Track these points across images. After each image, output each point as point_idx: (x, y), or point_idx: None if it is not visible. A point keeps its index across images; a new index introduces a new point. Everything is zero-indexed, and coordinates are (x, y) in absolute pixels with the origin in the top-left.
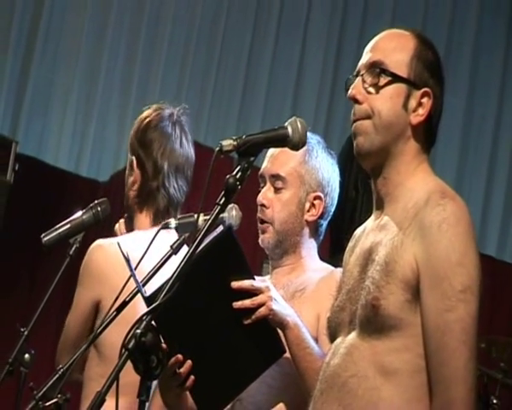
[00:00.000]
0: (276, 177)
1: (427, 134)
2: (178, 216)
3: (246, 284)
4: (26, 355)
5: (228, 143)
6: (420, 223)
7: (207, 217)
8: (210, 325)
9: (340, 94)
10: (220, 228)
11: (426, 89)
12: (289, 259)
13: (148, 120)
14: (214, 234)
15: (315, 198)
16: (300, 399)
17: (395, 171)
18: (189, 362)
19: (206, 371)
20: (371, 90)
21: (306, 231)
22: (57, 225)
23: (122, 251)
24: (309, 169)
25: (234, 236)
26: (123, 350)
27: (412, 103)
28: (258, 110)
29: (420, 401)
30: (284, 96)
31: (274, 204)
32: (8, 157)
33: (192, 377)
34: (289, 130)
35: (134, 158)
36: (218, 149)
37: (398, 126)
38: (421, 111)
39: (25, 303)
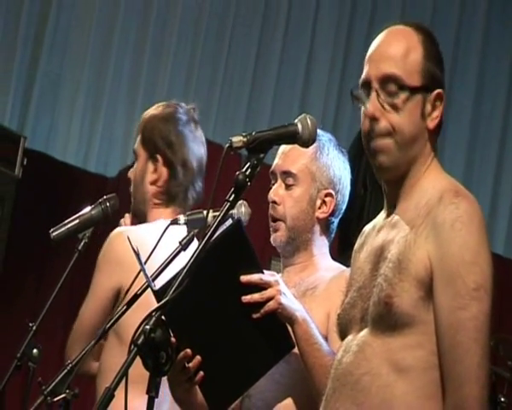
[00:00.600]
0: (287, 173)
1: (438, 131)
2: (188, 212)
3: (255, 277)
4: (35, 350)
5: (238, 140)
6: (433, 221)
7: (217, 213)
8: (219, 320)
9: (348, 92)
10: (229, 222)
11: (438, 90)
12: (301, 256)
13: (169, 117)
14: (223, 228)
15: (326, 195)
16: (309, 396)
17: (411, 174)
18: (198, 357)
19: (216, 366)
20: (388, 107)
21: (317, 228)
22: (66, 221)
23: (131, 244)
24: (320, 166)
25: (243, 229)
26: (132, 346)
27: (428, 108)
28: (267, 107)
29: (432, 397)
30: (292, 93)
31: (285, 201)
32: (17, 152)
33: (201, 372)
34: (299, 127)
35: (159, 156)
36: (227, 145)
37: (418, 137)
38: (436, 114)
39: (33, 298)
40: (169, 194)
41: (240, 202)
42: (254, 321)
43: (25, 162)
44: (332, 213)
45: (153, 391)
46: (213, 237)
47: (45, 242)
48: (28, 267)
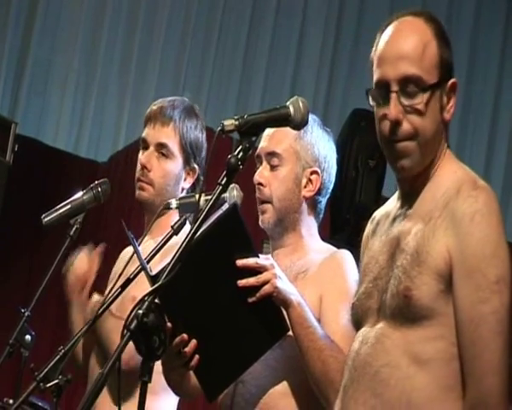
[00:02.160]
0: (271, 154)
1: (450, 119)
2: (180, 196)
3: (250, 261)
4: (27, 337)
5: (229, 123)
6: (452, 214)
7: (209, 197)
8: (215, 304)
9: (339, 75)
10: (225, 206)
11: (453, 80)
12: (290, 238)
13: (195, 117)
14: (220, 212)
15: (311, 173)
16: (303, 381)
17: (428, 169)
18: (193, 341)
19: (211, 351)
20: (409, 109)
21: (305, 207)
22: (58, 206)
23: (126, 231)
24: (304, 145)
25: (239, 214)
26: (125, 331)
27: (444, 101)
28: (258, 91)
29: (453, 389)
30: (283, 76)
31: (271, 182)
32: (8, 138)
33: (197, 356)
34: (291, 109)
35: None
36: (219, 128)
37: (438, 133)
38: (451, 104)
39: (24, 284)
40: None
41: (232, 185)
42: (249, 305)
43: (16, 148)
44: (319, 192)
45: (146, 376)
46: (209, 222)
47: (37, 227)
48: (20, 253)
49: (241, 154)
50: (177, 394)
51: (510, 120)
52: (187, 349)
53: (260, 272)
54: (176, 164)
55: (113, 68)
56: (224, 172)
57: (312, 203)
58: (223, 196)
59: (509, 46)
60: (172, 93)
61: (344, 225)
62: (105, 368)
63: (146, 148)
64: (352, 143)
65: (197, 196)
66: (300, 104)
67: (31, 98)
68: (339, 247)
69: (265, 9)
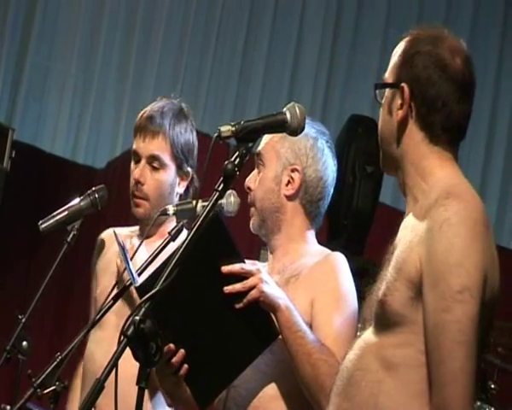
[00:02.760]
0: (257, 155)
1: (425, 124)
2: (177, 203)
3: (236, 267)
4: (24, 343)
5: (226, 129)
6: (426, 224)
7: (206, 203)
8: (202, 312)
9: (336, 80)
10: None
11: (402, 84)
12: (277, 239)
13: (184, 120)
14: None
15: (292, 171)
16: (294, 385)
17: (406, 175)
18: (181, 351)
19: (200, 359)
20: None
21: (290, 207)
22: (55, 212)
23: (118, 239)
24: (286, 143)
25: (221, 220)
26: (122, 337)
27: (396, 104)
28: (255, 96)
29: (419, 395)
30: (281, 82)
31: (256, 185)
32: (5, 145)
33: (185, 365)
34: (288, 115)
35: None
36: (216, 134)
37: (388, 132)
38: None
39: (22, 291)
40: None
41: (229, 191)
42: (238, 311)
43: (13, 155)
44: (305, 191)
45: (143, 382)
46: (192, 230)
47: (34, 234)
48: (17, 259)
49: (237, 160)
50: (173, 401)
51: (508, 125)
52: (174, 359)
53: (247, 278)
54: (169, 173)
55: (111, 75)
56: (221, 179)
57: (299, 203)
58: (220, 202)
59: (507, 50)
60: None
61: (341, 230)
62: (102, 374)
63: (138, 160)
64: (350, 149)
65: (194, 202)
66: (297, 110)
67: (28, 104)
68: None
69: (263, 15)
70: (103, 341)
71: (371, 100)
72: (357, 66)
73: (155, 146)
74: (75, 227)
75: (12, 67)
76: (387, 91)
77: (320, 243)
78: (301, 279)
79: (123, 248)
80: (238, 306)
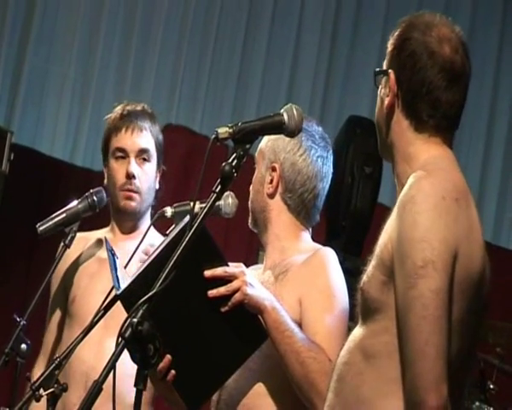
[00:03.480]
0: (253, 158)
1: (411, 112)
2: (175, 204)
3: (219, 271)
4: (23, 345)
5: (224, 131)
6: (396, 206)
7: (203, 205)
8: (189, 317)
9: (335, 81)
10: (187, 218)
11: (389, 71)
12: (265, 237)
13: (156, 119)
14: (181, 224)
15: (272, 169)
16: (283, 381)
17: (396, 163)
18: (167, 357)
19: (189, 363)
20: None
21: (274, 206)
22: (53, 215)
23: (107, 244)
24: (269, 143)
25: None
26: (119, 339)
27: (385, 91)
28: (254, 98)
29: (396, 382)
30: (279, 83)
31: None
32: (4, 147)
33: (172, 371)
34: (285, 117)
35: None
36: (213, 136)
37: (381, 120)
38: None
39: (20, 293)
40: None
41: (226, 193)
42: (224, 315)
43: (12, 157)
44: (285, 187)
45: (141, 384)
46: (171, 237)
47: (33, 236)
48: (16, 262)
49: (235, 161)
50: (168, 403)
51: (507, 123)
52: (161, 365)
53: (231, 281)
54: (154, 166)
55: (109, 77)
56: (219, 180)
57: (281, 200)
58: (217, 203)
59: (506, 48)
60: (168, 101)
61: (340, 231)
62: (100, 376)
63: (123, 157)
64: (348, 150)
65: (192, 203)
66: (294, 112)
67: (27, 107)
68: (335, 253)
69: (261, 16)
70: (91, 342)
71: (370, 101)
72: (356, 66)
73: (144, 139)
74: (73, 229)
75: (10, 70)
76: (382, 79)
77: (319, 243)
78: (289, 276)
79: (113, 255)
80: (223, 309)
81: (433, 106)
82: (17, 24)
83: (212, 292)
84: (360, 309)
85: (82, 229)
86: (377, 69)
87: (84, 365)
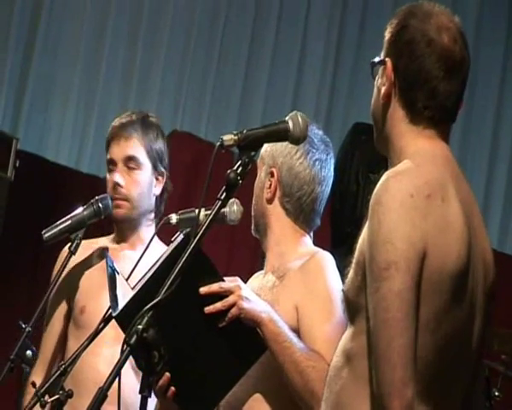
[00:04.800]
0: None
1: (407, 101)
2: (180, 211)
3: (214, 287)
4: (28, 352)
5: (229, 138)
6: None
7: (209, 212)
8: (187, 333)
9: (340, 89)
10: (180, 237)
11: (385, 59)
12: (266, 243)
13: (154, 126)
14: (175, 244)
15: (271, 174)
16: (280, 388)
17: (390, 158)
18: (166, 375)
19: (189, 379)
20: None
21: (273, 211)
22: (58, 221)
23: (108, 261)
24: (268, 149)
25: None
26: (124, 346)
27: (382, 81)
28: (259, 105)
29: (370, 384)
30: (285, 90)
31: None
32: (9, 154)
33: (172, 388)
34: (290, 124)
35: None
36: (218, 143)
37: (377, 111)
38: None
39: (26, 300)
40: None
41: (232, 200)
42: (222, 330)
43: (17, 164)
44: (282, 192)
45: (145, 391)
46: (165, 256)
47: (38, 243)
48: (21, 268)
49: (240, 168)
50: None
51: None
52: (160, 383)
53: (227, 296)
54: (146, 172)
55: (115, 84)
56: (224, 187)
57: (279, 205)
58: (223, 210)
59: (511, 59)
60: (174, 108)
61: (345, 238)
62: (105, 383)
63: (113, 169)
64: (353, 157)
65: (197, 210)
66: (299, 119)
67: (32, 114)
68: (341, 261)
69: (266, 23)
70: (105, 352)
71: None
72: (362, 73)
73: (130, 147)
74: (78, 236)
75: (16, 77)
76: (379, 69)
77: (324, 250)
78: (286, 282)
79: (113, 270)
80: (221, 325)
81: (430, 96)
82: (23, 32)
83: (209, 308)
84: (345, 312)
85: (87, 236)
86: (374, 59)
87: (98, 375)
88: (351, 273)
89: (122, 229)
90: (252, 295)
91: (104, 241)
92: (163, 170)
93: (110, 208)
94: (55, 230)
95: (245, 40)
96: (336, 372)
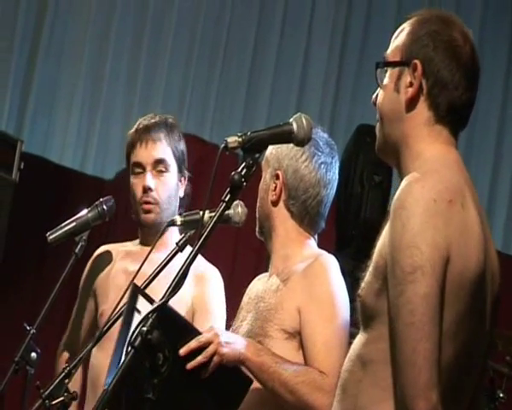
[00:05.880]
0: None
1: (435, 104)
2: (184, 213)
3: (193, 344)
4: (33, 354)
5: (233, 140)
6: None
7: (213, 214)
8: (174, 393)
9: (344, 91)
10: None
11: (414, 61)
12: (271, 245)
13: (176, 128)
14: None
15: (276, 177)
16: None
17: (402, 160)
18: None
19: None
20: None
21: (278, 213)
22: (63, 224)
23: (133, 295)
24: (273, 151)
25: (166, 309)
26: (129, 348)
27: (404, 81)
28: (263, 107)
29: (392, 388)
30: (289, 92)
31: None
32: (14, 156)
33: None
34: (294, 126)
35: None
36: (223, 145)
37: (396, 115)
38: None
39: (31, 302)
40: None
41: (236, 202)
42: (208, 378)
43: (22, 166)
44: (288, 194)
45: (150, 393)
46: (137, 328)
47: (43, 245)
48: (26, 271)
49: (244, 171)
50: None
51: None
52: None
53: (206, 347)
54: (173, 175)
55: (119, 86)
56: (228, 189)
57: (284, 207)
58: (227, 212)
59: None
60: (178, 110)
61: (350, 240)
62: (109, 385)
63: (140, 172)
64: (357, 159)
65: (201, 212)
66: (303, 121)
67: (37, 116)
68: (345, 263)
69: (271, 27)
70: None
71: None
72: (365, 76)
73: (159, 150)
74: (83, 238)
75: (21, 80)
76: (393, 70)
77: (329, 252)
78: (289, 285)
79: (133, 308)
80: (204, 376)
81: (457, 101)
82: (27, 35)
83: (191, 364)
84: (360, 317)
85: (92, 238)
86: (390, 60)
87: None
88: (368, 278)
89: (148, 233)
90: (230, 336)
91: (130, 245)
92: (186, 172)
93: (114, 210)
94: (59, 232)
95: (249, 43)
96: (351, 376)
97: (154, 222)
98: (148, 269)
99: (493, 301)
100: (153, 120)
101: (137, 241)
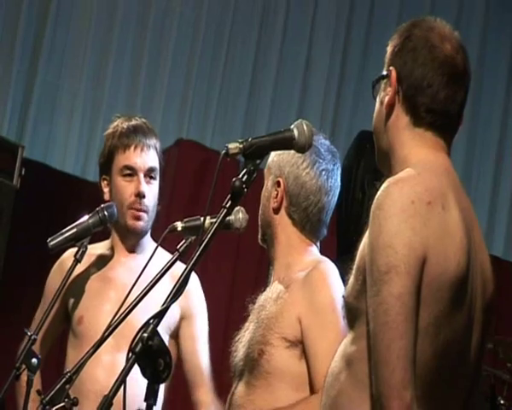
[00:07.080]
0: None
1: (411, 106)
2: (185, 219)
3: None
4: (33, 360)
5: (234, 146)
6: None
7: (214, 220)
8: None
9: (346, 96)
10: None
11: (390, 68)
12: (273, 253)
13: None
14: None
15: (277, 184)
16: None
17: (392, 170)
18: None
19: None
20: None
21: (280, 221)
22: (64, 230)
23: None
24: (275, 158)
25: None
26: (130, 354)
27: (385, 92)
28: (265, 112)
29: (369, 388)
30: (290, 99)
31: None
32: (15, 162)
33: None
34: (295, 132)
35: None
36: (224, 152)
37: (379, 124)
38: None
39: (32, 308)
40: None
41: (237, 208)
42: None
43: (23, 172)
44: (289, 201)
45: (151, 399)
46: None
47: (44, 251)
48: (27, 277)
49: (245, 177)
50: None
51: None
52: None
53: None
54: (157, 184)
55: (120, 93)
56: (229, 195)
57: (285, 214)
58: (228, 218)
59: None
60: (179, 116)
61: (350, 246)
62: (110, 391)
63: (131, 174)
64: (359, 165)
65: (202, 218)
66: (305, 127)
67: (38, 122)
68: (346, 269)
69: (272, 32)
70: (104, 361)
71: None
72: (367, 82)
73: (152, 158)
74: (84, 244)
75: (22, 86)
76: (379, 85)
77: (330, 259)
78: (289, 294)
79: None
80: None
81: (432, 100)
82: (28, 40)
83: None
84: (346, 318)
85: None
86: (376, 77)
87: (97, 384)
88: (351, 279)
89: (128, 239)
90: None
91: (101, 248)
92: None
93: (116, 216)
94: (60, 238)
95: (251, 49)
96: (334, 377)
97: (142, 230)
98: (127, 275)
99: (485, 309)
100: (142, 125)
101: (108, 243)
